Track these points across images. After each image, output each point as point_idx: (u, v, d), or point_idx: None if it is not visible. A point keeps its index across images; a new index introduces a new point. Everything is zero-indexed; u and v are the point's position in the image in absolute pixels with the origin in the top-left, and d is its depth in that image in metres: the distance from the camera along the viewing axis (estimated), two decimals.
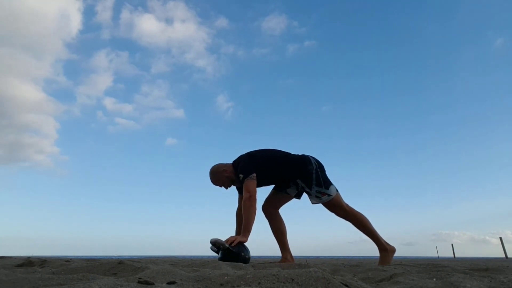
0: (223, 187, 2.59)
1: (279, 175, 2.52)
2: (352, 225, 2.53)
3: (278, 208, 2.65)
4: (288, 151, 2.63)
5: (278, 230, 2.61)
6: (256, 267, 1.53)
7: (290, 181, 2.55)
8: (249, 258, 2.17)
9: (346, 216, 2.50)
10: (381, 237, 2.50)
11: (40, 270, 1.46)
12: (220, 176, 2.54)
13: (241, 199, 2.61)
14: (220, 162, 2.63)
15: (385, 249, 2.46)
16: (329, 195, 2.43)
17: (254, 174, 2.37)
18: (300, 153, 2.61)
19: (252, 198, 2.31)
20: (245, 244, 2.23)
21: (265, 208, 2.64)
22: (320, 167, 2.54)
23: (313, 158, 2.57)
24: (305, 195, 2.58)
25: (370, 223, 2.50)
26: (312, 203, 2.53)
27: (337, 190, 2.49)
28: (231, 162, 2.61)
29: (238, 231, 2.56)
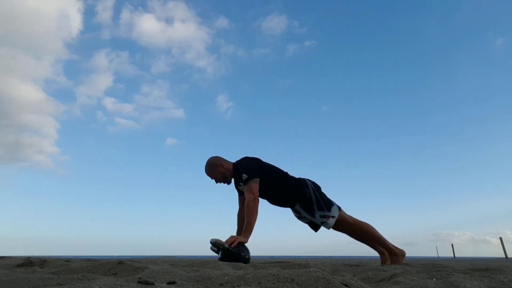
0: (213, 181, 2.57)
1: (277, 191, 2.47)
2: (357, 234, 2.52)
3: (344, 229, 2.53)
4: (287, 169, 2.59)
5: (360, 237, 2.55)
6: (256, 267, 1.53)
7: (288, 204, 2.52)
8: (249, 258, 2.17)
9: (352, 230, 2.48)
10: (389, 242, 2.49)
11: (40, 270, 1.46)
12: (215, 168, 2.51)
13: (241, 201, 2.59)
14: (221, 156, 2.60)
15: (395, 253, 2.46)
16: (334, 217, 2.39)
17: (258, 179, 2.34)
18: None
19: (256, 200, 2.28)
20: (245, 244, 2.22)
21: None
22: (317, 188, 2.50)
23: (309, 180, 2.54)
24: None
25: (375, 230, 2.49)
26: (316, 231, 2.50)
27: (339, 209, 2.45)
28: (233, 161, 2.58)
29: (239, 233, 2.55)
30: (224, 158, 2.60)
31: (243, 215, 2.34)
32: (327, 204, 2.43)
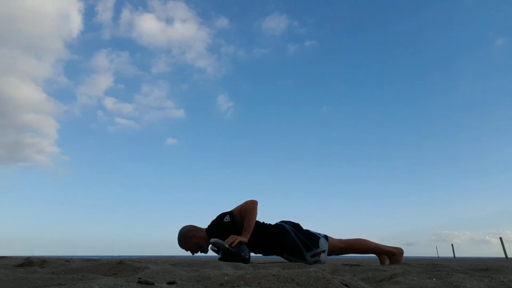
0: (189, 252, 2.43)
1: (257, 241, 2.32)
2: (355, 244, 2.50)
3: (338, 254, 2.52)
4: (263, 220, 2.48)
5: (355, 252, 2.51)
6: (256, 267, 1.53)
7: (273, 253, 2.44)
8: (249, 258, 2.17)
9: (346, 252, 2.48)
10: (384, 246, 2.51)
11: (40, 270, 1.47)
12: (188, 241, 2.37)
13: None
14: (193, 225, 2.47)
15: (393, 253, 2.48)
16: (324, 251, 2.35)
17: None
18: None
19: (255, 202, 2.28)
20: (245, 244, 2.23)
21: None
22: (297, 228, 2.42)
23: (286, 223, 2.46)
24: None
25: (368, 242, 2.49)
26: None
27: (326, 239, 2.40)
28: (205, 227, 2.44)
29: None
30: (196, 225, 2.46)
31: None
32: (313, 241, 2.35)
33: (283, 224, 2.45)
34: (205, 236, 2.36)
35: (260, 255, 2.49)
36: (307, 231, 2.44)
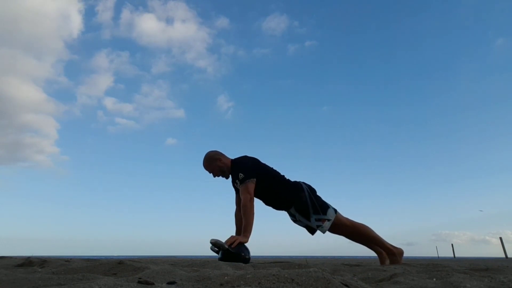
0: (211, 174, 2.58)
1: (272, 193, 2.48)
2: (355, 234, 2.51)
3: (341, 232, 2.54)
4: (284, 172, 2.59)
5: (357, 239, 2.55)
6: (256, 267, 1.53)
7: (284, 207, 2.52)
8: (249, 258, 2.17)
9: (349, 232, 2.49)
10: (386, 242, 2.50)
11: (40, 270, 1.47)
12: (213, 162, 2.53)
13: (238, 200, 2.60)
14: (220, 151, 2.62)
15: (393, 253, 2.48)
16: (329, 220, 2.39)
17: (255, 179, 2.36)
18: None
19: (252, 200, 2.31)
20: (246, 244, 2.22)
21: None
22: (312, 191, 2.50)
23: (304, 183, 2.54)
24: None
25: (373, 231, 2.49)
26: (313, 234, 2.49)
27: (335, 211, 2.45)
28: (232, 158, 2.60)
29: (238, 233, 2.55)
30: (223, 153, 2.61)
31: (240, 215, 2.34)
32: (323, 207, 2.42)
33: (301, 183, 2.54)
34: (229, 164, 2.53)
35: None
36: (320, 198, 2.51)
